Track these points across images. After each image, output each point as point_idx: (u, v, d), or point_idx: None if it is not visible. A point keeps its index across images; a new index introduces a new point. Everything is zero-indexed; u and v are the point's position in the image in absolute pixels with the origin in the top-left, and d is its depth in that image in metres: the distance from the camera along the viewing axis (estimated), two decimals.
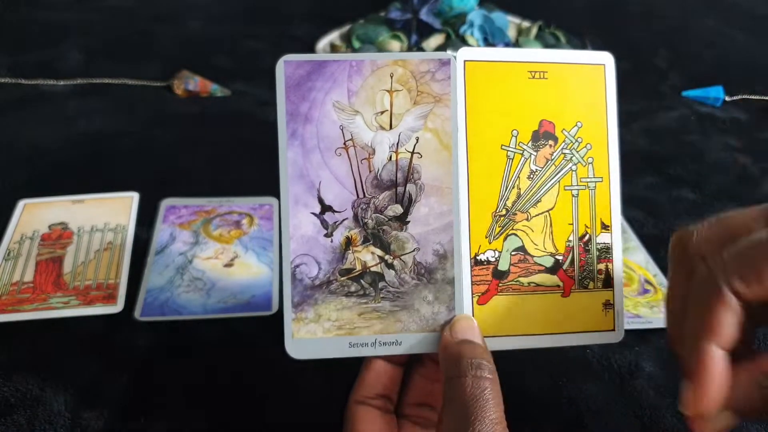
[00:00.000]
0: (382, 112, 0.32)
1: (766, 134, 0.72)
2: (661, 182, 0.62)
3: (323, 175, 0.32)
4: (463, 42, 0.78)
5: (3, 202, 0.54)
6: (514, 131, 0.33)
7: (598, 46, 0.83)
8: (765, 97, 0.78)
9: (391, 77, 0.33)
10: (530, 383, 0.40)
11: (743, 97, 0.78)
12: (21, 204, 0.54)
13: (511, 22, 0.85)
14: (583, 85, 0.34)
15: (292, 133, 0.32)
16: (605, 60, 0.34)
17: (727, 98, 0.77)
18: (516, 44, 0.79)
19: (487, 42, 0.80)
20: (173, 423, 0.38)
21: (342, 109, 0.32)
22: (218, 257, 0.50)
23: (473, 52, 0.33)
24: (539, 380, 0.41)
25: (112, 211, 0.54)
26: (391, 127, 0.33)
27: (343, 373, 0.34)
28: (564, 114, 0.34)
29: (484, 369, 0.29)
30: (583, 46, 0.82)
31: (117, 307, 0.45)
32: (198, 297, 0.46)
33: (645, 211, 0.58)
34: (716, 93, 0.77)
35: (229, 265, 0.50)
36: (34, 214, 0.53)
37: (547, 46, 0.80)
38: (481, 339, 0.31)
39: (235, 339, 0.44)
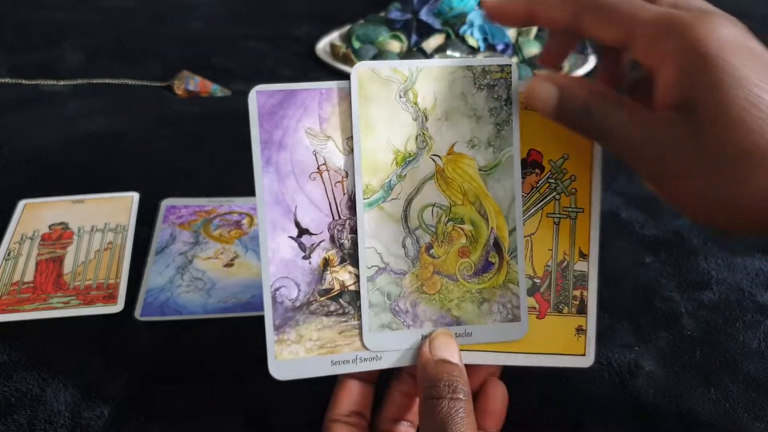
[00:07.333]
0: (352, 137, 0.33)
1: None
2: None
3: (299, 199, 0.32)
4: (463, 42, 0.78)
5: (3, 202, 0.54)
6: None
7: (597, 47, 0.84)
8: None
9: None
10: (530, 383, 0.40)
11: None
12: (21, 204, 0.54)
13: None
14: None
15: (266, 161, 0.32)
16: None
17: None
18: (516, 44, 0.79)
19: (487, 42, 0.80)
20: (173, 423, 0.38)
21: (314, 135, 0.32)
22: (218, 257, 0.50)
23: None
24: (539, 380, 0.41)
25: (113, 211, 0.54)
26: None
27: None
28: (552, 146, 0.34)
29: (460, 392, 0.30)
30: (582, 47, 0.82)
31: (117, 307, 0.45)
32: (198, 297, 0.46)
33: (645, 212, 0.58)
34: None
35: (229, 265, 0.50)
36: (35, 214, 0.54)
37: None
38: (458, 357, 0.32)
39: (235, 339, 0.44)
